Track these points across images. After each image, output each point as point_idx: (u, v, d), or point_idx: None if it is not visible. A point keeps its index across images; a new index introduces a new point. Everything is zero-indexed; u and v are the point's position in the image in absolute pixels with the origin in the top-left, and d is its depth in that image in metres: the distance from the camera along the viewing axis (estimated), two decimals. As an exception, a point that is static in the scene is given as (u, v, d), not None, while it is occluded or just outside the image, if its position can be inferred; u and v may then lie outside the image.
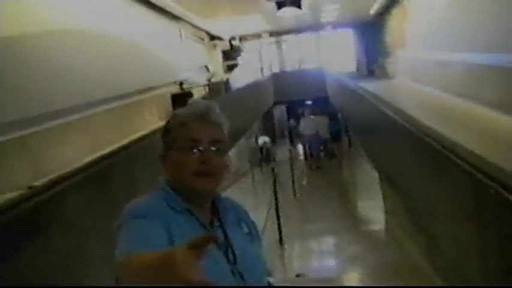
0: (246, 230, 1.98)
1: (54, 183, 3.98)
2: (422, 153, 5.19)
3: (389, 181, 7.98)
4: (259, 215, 10.40)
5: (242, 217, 2.01)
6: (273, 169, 10.36)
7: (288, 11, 14.93)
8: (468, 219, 3.81)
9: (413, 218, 6.51)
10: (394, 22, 16.65)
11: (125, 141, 6.19)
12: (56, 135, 6.03)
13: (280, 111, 26.55)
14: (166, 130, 1.90)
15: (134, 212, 1.70)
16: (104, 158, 4.91)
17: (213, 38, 18.69)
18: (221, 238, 1.81)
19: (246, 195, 14.77)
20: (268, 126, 24.47)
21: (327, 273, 8.20)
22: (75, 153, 6.06)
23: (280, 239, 9.10)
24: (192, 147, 1.81)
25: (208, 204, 1.89)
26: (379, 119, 7.66)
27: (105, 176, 4.68)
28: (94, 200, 4.38)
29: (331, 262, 8.85)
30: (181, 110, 1.92)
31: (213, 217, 1.88)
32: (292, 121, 23.15)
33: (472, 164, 3.62)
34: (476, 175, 3.55)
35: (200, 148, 1.82)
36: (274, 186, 9.78)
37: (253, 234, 2.01)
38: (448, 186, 4.37)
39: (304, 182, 15.95)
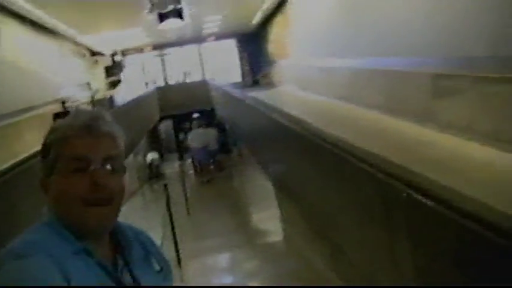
0: (157, 267, 1.57)
1: None
2: (317, 158, 5.11)
3: (284, 189, 7.90)
4: (155, 235, 10.10)
5: (150, 250, 1.60)
6: (165, 186, 9.85)
7: (170, 23, 14.73)
8: (371, 221, 3.74)
9: (313, 225, 6.43)
10: (277, 31, 16.84)
11: (3, 167, 5.73)
12: None
13: (166, 126, 26.20)
14: (44, 148, 1.45)
15: (15, 252, 1.26)
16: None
17: (94, 53, 18.19)
18: (129, 282, 1.44)
19: (138, 214, 14.37)
20: (155, 142, 24.06)
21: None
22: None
23: (178, 259, 8.79)
24: (78, 169, 1.39)
25: (106, 237, 1.47)
26: (269, 126, 7.59)
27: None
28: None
29: (229, 279, 8.60)
30: (62, 122, 1.47)
31: (115, 254, 1.47)
32: (181, 135, 22.82)
33: (369, 163, 3.56)
34: (372, 173, 3.50)
35: (90, 168, 1.39)
36: (168, 204, 9.38)
37: (164, 270, 1.60)
38: (346, 189, 4.30)
39: (196, 198, 15.71)
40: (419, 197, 2.80)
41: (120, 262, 1.46)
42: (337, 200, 4.68)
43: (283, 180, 7.78)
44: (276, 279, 7.62)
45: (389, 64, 7.40)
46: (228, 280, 8.36)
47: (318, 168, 5.26)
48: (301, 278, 7.26)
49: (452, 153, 4.87)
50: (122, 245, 1.49)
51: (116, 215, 1.45)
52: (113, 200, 1.41)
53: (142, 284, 1.46)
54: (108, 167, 1.41)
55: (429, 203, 2.69)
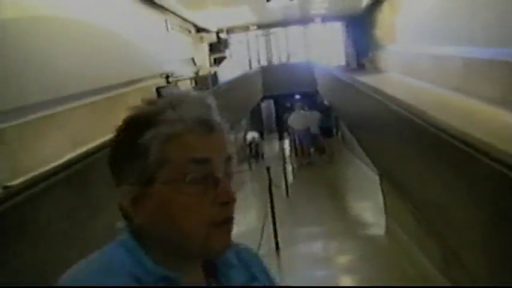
0: None
1: (33, 183, 3.58)
2: (433, 151, 4.83)
3: (390, 180, 7.62)
4: (253, 217, 10.08)
5: (255, 270, 1.29)
6: (268, 169, 9.60)
7: (278, 2, 14.62)
8: (494, 227, 3.47)
9: (422, 223, 6.15)
10: (385, 15, 16.41)
11: (108, 137, 5.79)
12: (34, 131, 5.66)
13: (268, 106, 26.24)
14: (135, 147, 1.09)
15: (90, 271, 1.04)
16: (86, 155, 4.48)
17: (199, 30, 18.37)
18: None
19: (236, 194, 14.43)
20: (256, 121, 24.13)
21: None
22: (54, 149, 5.69)
23: (277, 246, 8.71)
24: (197, 178, 1.07)
25: (199, 264, 1.19)
26: (378, 113, 7.32)
27: (88, 174, 4.27)
28: (75, 201, 3.98)
29: (323, 272, 8.34)
30: (159, 109, 1.11)
31: (209, 279, 1.19)
32: (283, 116, 22.76)
33: (496, 159, 3.28)
34: (496, 168, 3.23)
35: (216, 176, 1.09)
36: (270, 189, 9.19)
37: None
38: (464, 187, 4.02)
39: (295, 180, 15.60)
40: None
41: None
42: (454, 199, 4.39)
43: (390, 170, 7.50)
44: (375, 278, 7.33)
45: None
46: (321, 273, 8.15)
47: (433, 162, 4.98)
48: (405, 279, 6.94)
49: None
50: (216, 266, 1.21)
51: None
52: (233, 214, 1.14)
53: None
54: (228, 170, 1.13)
55: None
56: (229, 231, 1.11)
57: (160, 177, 1.07)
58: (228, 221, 1.11)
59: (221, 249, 1.11)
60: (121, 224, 1.13)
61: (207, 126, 1.10)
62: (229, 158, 1.14)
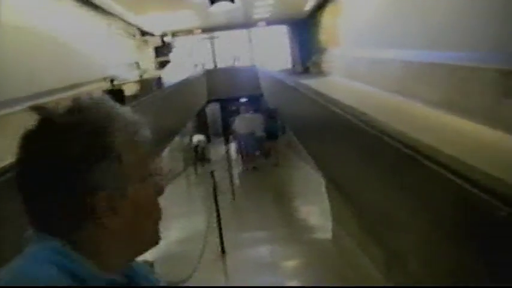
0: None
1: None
2: (375, 153, 4.85)
3: (335, 183, 7.64)
4: (198, 221, 9.98)
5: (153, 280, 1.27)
6: (212, 173, 9.60)
7: (220, 7, 14.59)
8: (434, 226, 3.49)
9: (365, 226, 6.17)
10: (328, 19, 16.57)
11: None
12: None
13: (213, 109, 26.15)
14: (106, 147, 1.04)
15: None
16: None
17: (144, 33, 18.22)
18: None
19: (182, 197, 14.33)
20: (202, 125, 24.03)
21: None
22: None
23: (222, 249, 8.65)
24: (150, 176, 1.12)
25: None
26: (322, 116, 7.35)
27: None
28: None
29: (269, 277, 8.29)
30: (119, 115, 1.09)
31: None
32: (228, 119, 22.71)
33: (436, 160, 3.30)
34: (438, 171, 3.25)
35: (160, 173, 1.18)
36: (215, 192, 9.19)
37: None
38: (406, 189, 4.04)
39: (241, 185, 15.56)
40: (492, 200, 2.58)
41: None
42: (395, 202, 4.42)
43: (334, 173, 7.54)
44: (319, 282, 7.34)
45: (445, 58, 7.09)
46: (268, 278, 8.12)
47: (375, 164, 5.01)
48: (348, 282, 6.98)
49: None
50: (133, 279, 1.17)
51: None
52: None
53: None
54: None
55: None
56: None
57: (133, 177, 1.07)
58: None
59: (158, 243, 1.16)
60: (40, 234, 1.03)
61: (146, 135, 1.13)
62: None
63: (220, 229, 8.82)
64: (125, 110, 1.10)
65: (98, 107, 1.07)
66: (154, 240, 1.14)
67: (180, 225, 10.21)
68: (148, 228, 1.12)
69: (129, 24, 16.03)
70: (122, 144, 1.05)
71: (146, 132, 1.12)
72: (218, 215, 8.93)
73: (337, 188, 7.49)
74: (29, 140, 1.04)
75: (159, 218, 1.14)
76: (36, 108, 1.05)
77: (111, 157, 1.03)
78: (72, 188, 1.01)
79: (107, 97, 1.12)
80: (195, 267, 7.08)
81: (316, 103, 7.67)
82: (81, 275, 0.99)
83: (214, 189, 9.16)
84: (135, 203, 1.07)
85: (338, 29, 15.08)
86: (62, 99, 1.09)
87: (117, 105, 1.11)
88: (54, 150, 1.00)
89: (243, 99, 21.74)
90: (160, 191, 1.15)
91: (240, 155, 18.94)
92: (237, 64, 22.19)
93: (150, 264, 5.14)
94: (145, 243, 1.13)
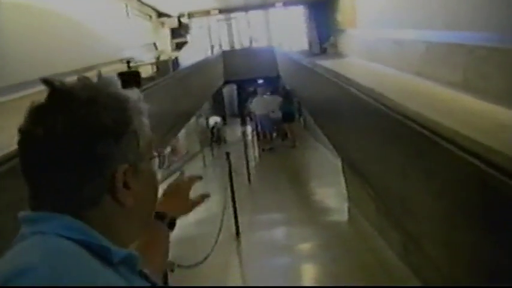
0: None
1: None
2: (394, 135, 4.78)
3: (352, 165, 7.58)
4: (214, 202, 9.98)
5: None
6: (227, 155, 9.54)
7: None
8: (454, 210, 3.43)
9: (383, 209, 6.10)
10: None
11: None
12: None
13: (230, 91, 26.11)
14: (121, 123, 1.04)
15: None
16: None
17: (160, 15, 18.15)
18: None
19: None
20: (218, 106, 24.01)
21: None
22: (7, 138, 5.50)
23: (237, 231, 8.64)
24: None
25: None
26: (340, 97, 7.27)
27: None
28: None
29: (284, 259, 8.26)
30: (117, 89, 1.10)
31: None
32: (245, 100, 22.68)
33: (456, 143, 3.23)
34: (457, 154, 3.18)
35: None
36: (230, 174, 9.15)
37: None
38: (426, 172, 3.97)
39: (257, 166, 15.53)
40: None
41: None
42: (413, 186, 4.36)
43: (351, 156, 7.48)
44: (335, 264, 7.30)
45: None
46: (284, 260, 8.10)
47: (392, 146, 4.94)
48: (365, 265, 6.94)
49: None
50: None
51: None
52: None
53: None
54: None
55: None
56: None
57: (149, 155, 1.13)
58: None
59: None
60: (24, 212, 1.01)
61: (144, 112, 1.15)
62: None
63: (235, 211, 8.80)
64: (130, 92, 1.11)
65: (109, 85, 1.08)
66: (150, 222, 1.20)
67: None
68: (152, 209, 1.19)
69: (146, 5, 15.97)
70: (137, 121, 1.07)
71: (147, 117, 1.14)
72: (233, 197, 8.91)
73: (353, 170, 7.43)
74: (46, 113, 1.01)
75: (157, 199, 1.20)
76: (47, 81, 1.03)
77: (130, 132, 1.05)
78: (95, 161, 1.00)
79: (113, 77, 1.13)
80: (210, 250, 7.06)
81: (334, 84, 7.59)
82: (101, 249, 0.98)
83: (230, 171, 9.13)
84: (144, 181, 1.10)
85: (356, 10, 14.91)
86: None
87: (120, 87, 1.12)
88: (77, 123, 0.99)
89: (260, 81, 21.67)
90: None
91: (256, 136, 18.95)
92: (254, 45, 22.08)
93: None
94: (147, 224, 1.17)
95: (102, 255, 0.97)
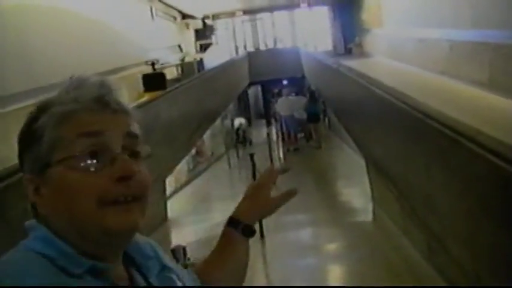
0: (174, 277, 1.21)
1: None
2: (420, 136, 4.75)
3: (378, 166, 7.55)
4: (237, 203, 9.96)
5: (164, 260, 1.24)
6: (251, 156, 9.55)
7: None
8: (481, 212, 3.41)
9: (408, 210, 6.08)
10: (372, -1, 16.32)
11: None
12: (10, 121, 5.55)
13: (255, 92, 26.14)
14: (31, 134, 1.04)
15: None
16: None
17: (185, 16, 18.25)
18: None
19: (222, 180, 14.39)
20: (244, 107, 24.05)
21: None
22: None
23: (262, 233, 8.64)
24: (93, 153, 1.01)
25: (121, 253, 1.11)
26: (365, 98, 7.24)
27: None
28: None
29: (310, 260, 8.23)
30: (56, 95, 1.09)
31: (129, 274, 1.12)
32: (270, 101, 22.70)
33: (485, 146, 3.20)
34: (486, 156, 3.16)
35: (112, 150, 1.03)
36: (254, 176, 9.10)
37: (179, 275, 1.24)
38: (452, 173, 3.95)
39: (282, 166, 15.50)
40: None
41: (140, 282, 1.13)
42: (438, 186, 4.33)
43: (376, 156, 7.45)
44: (361, 264, 7.27)
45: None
46: (307, 261, 8.08)
47: (417, 146, 4.92)
48: (390, 265, 6.90)
49: None
50: (137, 262, 1.16)
51: (144, 215, 1.06)
52: (143, 196, 1.05)
53: None
54: (128, 150, 1.05)
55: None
56: (130, 210, 1.02)
57: (55, 158, 1.01)
58: (130, 200, 1.02)
59: (119, 229, 1.01)
60: (30, 222, 1.06)
61: (102, 103, 1.05)
62: (130, 135, 1.07)
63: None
64: (63, 96, 1.07)
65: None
66: (106, 225, 0.99)
67: (223, 207, 10.22)
68: (85, 212, 0.99)
69: (170, 7, 16.07)
70: (44, 126, 1.03)
71: (84, 115, 1.03)
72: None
73: (378, 170, 7.41)
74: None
75: (104, 201, 0.99)
76: None
77: (33, 140, 1.04)
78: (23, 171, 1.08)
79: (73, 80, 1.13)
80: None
81: (359, 85, 7.56)
82: (63, 259, 0.97)
83: (253, 172, 9.13)
84: (55, 187, 1.01)
85: (382, 9, 14.84)
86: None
87: (62, 89, 1.10)
88: (20, 135, 1.08)
89: (285, 82, 21.67)
90: (116, 173, 1.01)
91: (281, 137, 18.96)
92: (279, 46, 22.08)
93: (183, 249, 5.13)
94: (91, 228, 1.00)
95: (65, 267, 0.97)
